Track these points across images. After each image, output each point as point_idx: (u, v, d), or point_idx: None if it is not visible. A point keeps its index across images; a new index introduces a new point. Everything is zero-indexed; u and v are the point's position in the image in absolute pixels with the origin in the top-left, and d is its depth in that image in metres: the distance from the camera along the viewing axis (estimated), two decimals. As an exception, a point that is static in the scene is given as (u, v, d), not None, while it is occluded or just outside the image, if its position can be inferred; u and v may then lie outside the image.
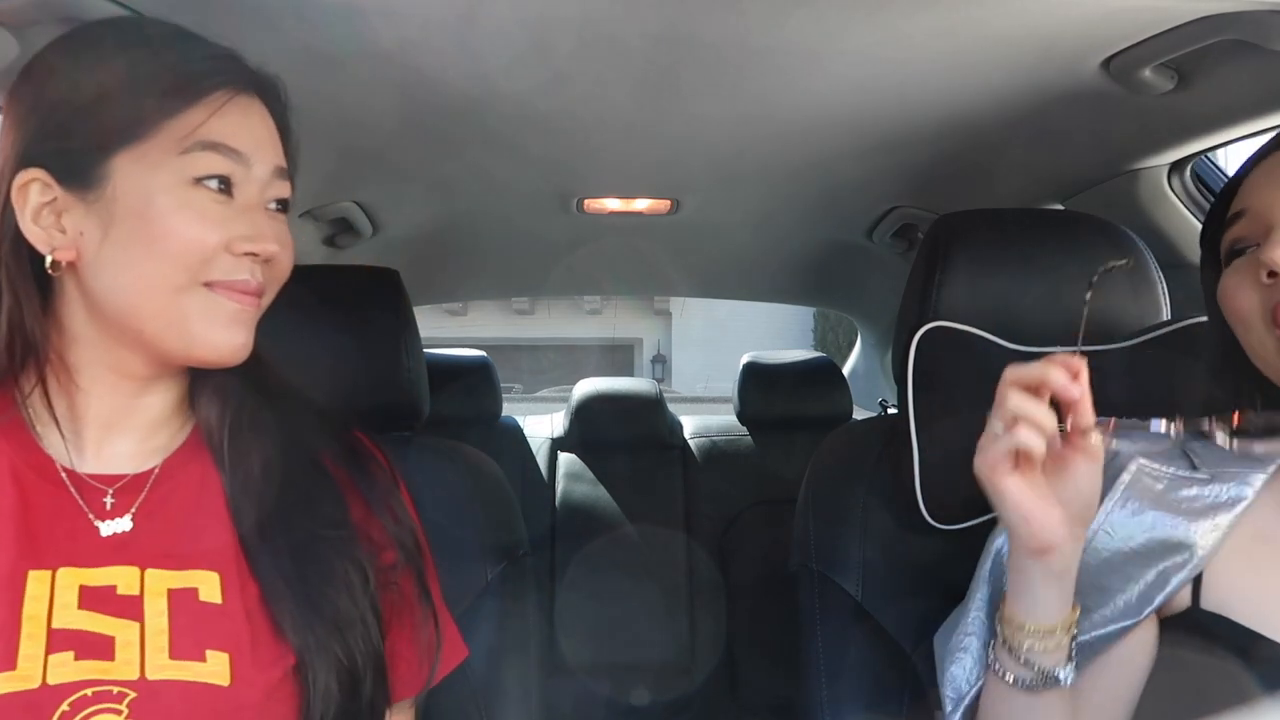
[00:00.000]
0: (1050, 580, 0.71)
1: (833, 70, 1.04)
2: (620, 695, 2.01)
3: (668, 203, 1.62)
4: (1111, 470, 0.79)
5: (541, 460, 2.23)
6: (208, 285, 0.68)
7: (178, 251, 0.66)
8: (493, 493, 1.11)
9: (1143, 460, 0.79)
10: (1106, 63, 1.00)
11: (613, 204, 1.62)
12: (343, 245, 1.68)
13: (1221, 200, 0.80)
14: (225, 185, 0.68)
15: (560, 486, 2.19)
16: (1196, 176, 1.29)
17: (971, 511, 0.99)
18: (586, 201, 1.60)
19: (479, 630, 1.03)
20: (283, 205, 0.74)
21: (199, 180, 0.67)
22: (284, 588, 0.71)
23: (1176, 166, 1.27)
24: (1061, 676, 0.73)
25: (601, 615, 2.06)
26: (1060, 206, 1.44)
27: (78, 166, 0.66)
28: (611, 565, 2.08)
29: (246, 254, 0.69)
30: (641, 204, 1.63)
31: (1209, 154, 1.26)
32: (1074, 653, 0.74)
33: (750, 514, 2.13)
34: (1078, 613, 0.74)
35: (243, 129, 0.69)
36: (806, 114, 1.18)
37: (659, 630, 2.08)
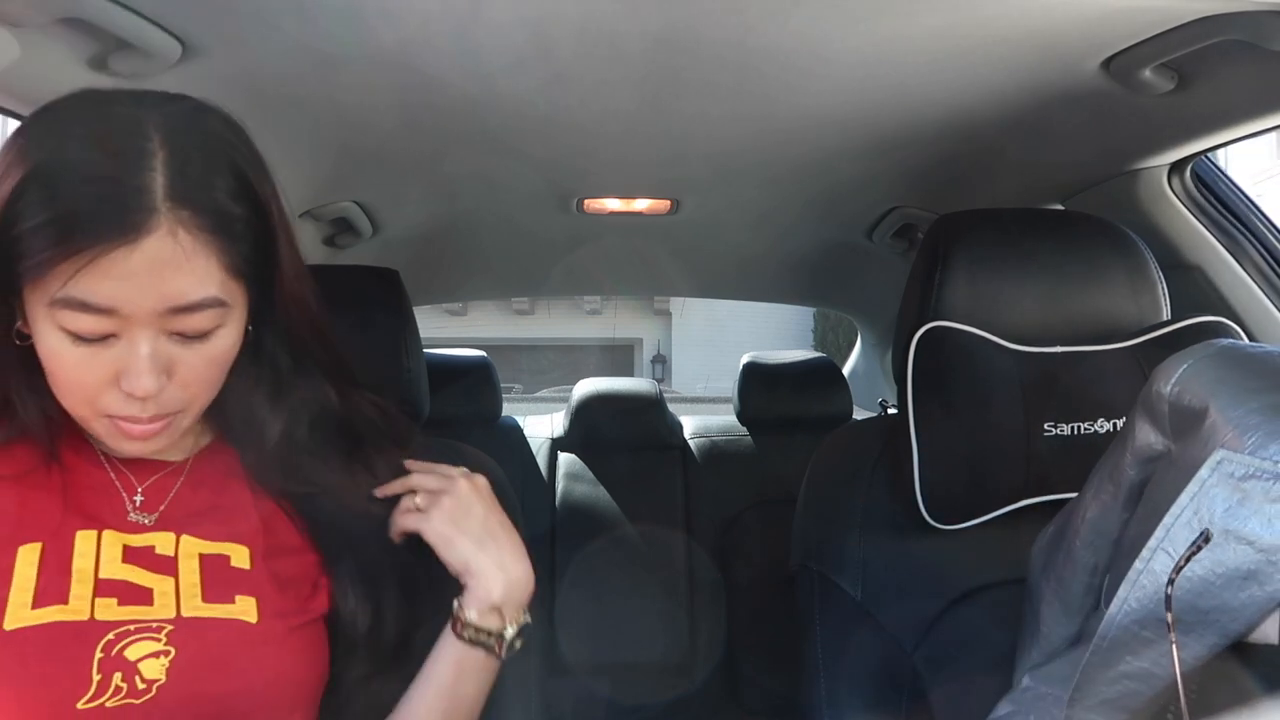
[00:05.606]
0: None
1: (833, 70, 1.04)
2: (620, 695, 2.01)
3: (668, 203, 1.62)
4: (1187, 463, 0.65)
5: (541, 460, 2.23)
6: (109, 416, 0.67)
7: (63, 392, 0.67)
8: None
9: (1226, 451, 0.62)
10: (1106, 63, 1.00)
11: (613, 204, 1.62)
12: (343, 245, 1.68)
13: None
14: (99, 335, 0.64)
15: (560, 486, 2.19)
16: (1196, 177, 1.29)
17: (971, 511, 0.99)
18: (586, 201, 1.60)
19: (479, 630, 1.03)
20: (199, 335, 0.67)
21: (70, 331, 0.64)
22: (317, 510, 0.77)
23: (1176, 167, 1.27)
24: None
25: (601, 615, 2.05)
26: (1060, 206, 1.44)
27: (6, 283, 0.65)
28: (611, 565, 2.08)
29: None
30: (641, 204, 1.63)
31: (1209, 154, 1.26)
32: None
33: (750, 514, 2.12)
34: None
35: (112, 284, 0.62)
36: (806, 114, 1.18)
37: (659, 630, 2.08)
